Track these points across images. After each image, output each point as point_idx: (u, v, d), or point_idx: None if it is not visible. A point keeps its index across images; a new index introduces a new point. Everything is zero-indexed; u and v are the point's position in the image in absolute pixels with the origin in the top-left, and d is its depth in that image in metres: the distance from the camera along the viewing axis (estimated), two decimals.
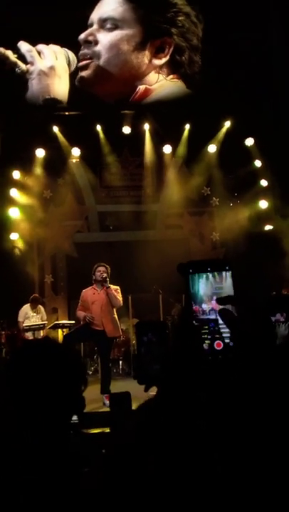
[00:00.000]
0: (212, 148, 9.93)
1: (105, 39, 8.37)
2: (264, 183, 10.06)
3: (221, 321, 0.86)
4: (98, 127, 9.64)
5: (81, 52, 8.46)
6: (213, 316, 0.87)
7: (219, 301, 0.86)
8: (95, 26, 8.37)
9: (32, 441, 1.06)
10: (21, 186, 9.87)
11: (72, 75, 8.63)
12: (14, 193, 9.71)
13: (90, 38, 8.37)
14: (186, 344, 0.85)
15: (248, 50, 8.11)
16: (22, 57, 8.35)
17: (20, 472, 1.01)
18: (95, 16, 8.44)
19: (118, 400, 3.22)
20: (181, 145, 9.93)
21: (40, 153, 9.72)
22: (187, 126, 9.67)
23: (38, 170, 9.87)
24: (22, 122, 8.88)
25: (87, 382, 1.22)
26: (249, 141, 9.77)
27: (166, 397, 0.79)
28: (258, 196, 10.11)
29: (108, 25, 8.33)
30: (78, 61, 8.47)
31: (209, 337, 0.86)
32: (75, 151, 9.82)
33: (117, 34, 8.34)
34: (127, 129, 9.52)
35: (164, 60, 8.51)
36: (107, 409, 5.37)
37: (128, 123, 9.50)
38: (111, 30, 8.33)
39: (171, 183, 10.25)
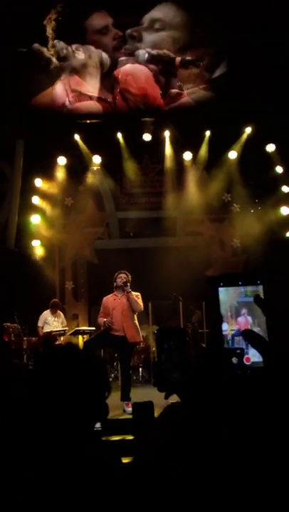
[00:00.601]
0: (233, 154, 9.89)
1: (149, 37, 8.42)
2: (285, 189, 9.96)
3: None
4: (119, 135, 9.71)
5: (124, 46, 8.50)
6: (240, 345, 0.86)
7: (256, 300, 0.85)
8: (144, 25, 8.43)
9: (51, 448, 1.06)
10: (43, 194, 10.00)
11: (104, 76, 8.67)
12: (36, 200, 9.85)
13: (135, 34, 8.44)
14: (214, 356, 0.84)
15: (271, 55, 8.08)
16: (57, 53, 8.48)
17: (35, 475, 1.02)
18: (147, 16, 8.53)
19: (141, 409, 3.22)
20: (201, 151, 9.92)
21: (61, 160, 9.84)
22: (208, 133, 9.66)
23: (60, 177, 9.99)
24: (44, 130, 9.02)
25: (110, 388, 1.22)
26: (270, 147, 9.70)
27: (188, 406, 0.79)
28: (279, 203, 10.01)
29: (156, 26, 8.40)
30: (115, 63, 8.50)
31: (238, 352, 0.86)
32: (96, 159, 9.92)
33: (162, 35, 8.40)
34: (147, 136, 9.56)
35: (199, 69, 8.51)
36: (128, 417, 5.36)
37: (148, 130, 9.54)
38: (158, 30, 8.39)
39: (192, 190, 10.23)
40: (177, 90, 8.37)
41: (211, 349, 0.88)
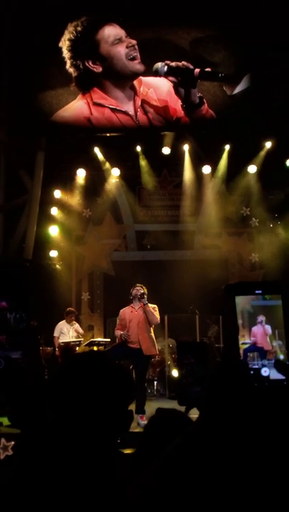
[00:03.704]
0: (252, 168, 9.85)
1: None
2: None
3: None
4: (138, 148, 9.77)
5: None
6: (255, 365, 0.82)
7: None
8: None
9: (79, 461, 1.03)
10: (62, 205, 10.09)
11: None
12: (54, 211, 9.93)
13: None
14: (231, 370, 0.81)
15: None
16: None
17: (61, 491, 0.99)
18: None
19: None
20: (220, 165, 9.90)
21: (81, 173, 9.93)
22: (227, 147, 9.65)
23: (79, 189, 10.08)
24: (65, 142, 9.12)
25: (135, 395, 1.20)
26: None
27: (211, 422, 0.76)
28: None
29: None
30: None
31: (255, 366, 0.83)
32: (115, 171, 9.98)
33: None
34: (166, 150, 9.59)
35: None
36: (141, 430, 5.29)
37: (168, 143, 9.57)
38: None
39: (210, 203, 10.21)
40: (198, 101, 8.37)
41: (227, 362, 0.84)
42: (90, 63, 8.27)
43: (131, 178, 10.24)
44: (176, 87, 8.26)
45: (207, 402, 0.80)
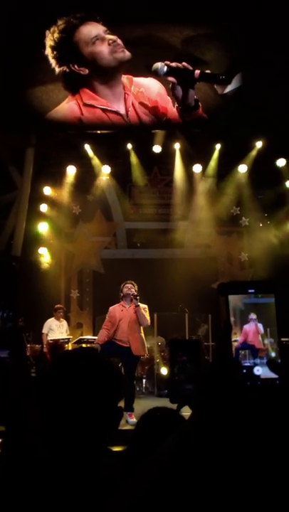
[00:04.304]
0: (243, 168, 9.88)
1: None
2: None
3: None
4: (129, 145, 9.74)
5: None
6: (247, 363, 0.81)
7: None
8: None
9: (68, 459, 1.01)
10: (51, 202, 10.04)
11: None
12: (44, 208, 9.87)
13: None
14: (225, 368, 0.80)
15: (284, 70, 8.08)
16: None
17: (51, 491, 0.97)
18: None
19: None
20: (211, 164, 9.92)
21: (71, 170, 9.88)
22: (218, 146, 9.67)
23: (69, 186, 10.03)
24: (55, 139, 9.06)
25: (123, 394, 1.19)
26: (280, 162, 9.68)
27: (203, 422, 0.75)
28: (287, 217, 9.98)
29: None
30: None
31: (247, 364, 0.81)
32: (106, 169, 9.94)
33: None
34: (157, 148, 9.58)
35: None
36: (130, 427, 5.29)
37: (159, 142, 9.56)
38: None
39: (201, 202, 10.23)
40: (194, 104, 8.34)
41: (219, 360, 0.82)
42: (76, 67, 8.21)
43: (121, 175, 10.21)
44: (173, 88, 8.19)
45: (200, 399, 0.79)
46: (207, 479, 0.73)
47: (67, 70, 8.23)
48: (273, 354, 0.82)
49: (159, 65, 7.90)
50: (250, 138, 9.36)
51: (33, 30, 8.15)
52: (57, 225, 10.14)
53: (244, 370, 0.82)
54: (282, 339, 0.81)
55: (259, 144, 9.43)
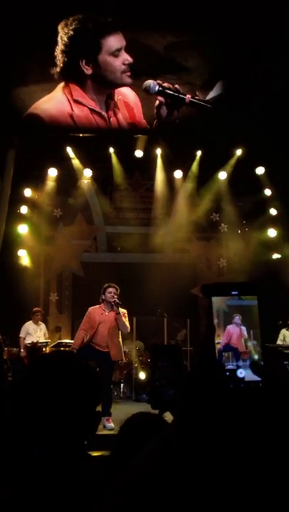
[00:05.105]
0: (222, 175, 10.00)
1: None
2: (273, 211, 10.09)
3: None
4: (111, 149, 9.75)
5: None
6: (230, 366, 0.82)
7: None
8: None
9: (44, 462, 1.02)
10: (32, 204, 9.96)
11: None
12: (24, 210, 9.79)
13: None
14: (208, 371, 0.82)
15: (264, 79, 8.21)
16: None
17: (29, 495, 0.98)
18: None
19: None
20: (192, 171, 10.01)
21: (52, 172, 9.84)
22: (199, 153, 9.76)
23: (50, 189, 9.97)
24: (36, 141, 9.00)
25: (102, 398, 1.20)
26: (260, 170, 9.83)
27: (185, 426, 0.77)
28: (266, 224, 10.13)
29: None
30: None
31: (230, 367, 0.82)
32: (87, 172, 9.93)
33: None
34: (139, 153, 9.62)
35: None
36: (108, 432, 5.29)
37: (140, 147, 9.60)
38: None
39: (181, 208, 10.29)
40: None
41: (201, 363, 0.84)
42: (84, 63, 8.16)
43: (103, 179, 10.22)
44: (159, 107, 8.19)
45: (181, 403, 0.81)
46: (190, 484, 0.75)
47: (73, 60, 8.13)
48: (256, 357, 0.84)
49: (150, 83, 7.82)
50: (231, 145, 9.48)
51: (20, 29, 8.04)
52: (37, 227, 10.07)
53: (227, 373, 0.83)
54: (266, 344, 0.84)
55: (239, 152, 9.56)
